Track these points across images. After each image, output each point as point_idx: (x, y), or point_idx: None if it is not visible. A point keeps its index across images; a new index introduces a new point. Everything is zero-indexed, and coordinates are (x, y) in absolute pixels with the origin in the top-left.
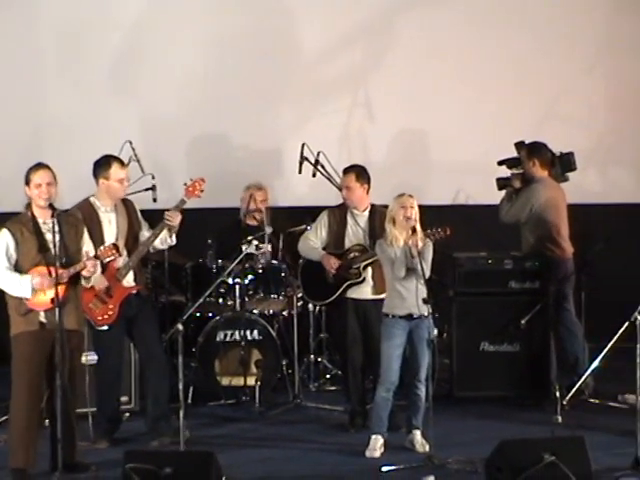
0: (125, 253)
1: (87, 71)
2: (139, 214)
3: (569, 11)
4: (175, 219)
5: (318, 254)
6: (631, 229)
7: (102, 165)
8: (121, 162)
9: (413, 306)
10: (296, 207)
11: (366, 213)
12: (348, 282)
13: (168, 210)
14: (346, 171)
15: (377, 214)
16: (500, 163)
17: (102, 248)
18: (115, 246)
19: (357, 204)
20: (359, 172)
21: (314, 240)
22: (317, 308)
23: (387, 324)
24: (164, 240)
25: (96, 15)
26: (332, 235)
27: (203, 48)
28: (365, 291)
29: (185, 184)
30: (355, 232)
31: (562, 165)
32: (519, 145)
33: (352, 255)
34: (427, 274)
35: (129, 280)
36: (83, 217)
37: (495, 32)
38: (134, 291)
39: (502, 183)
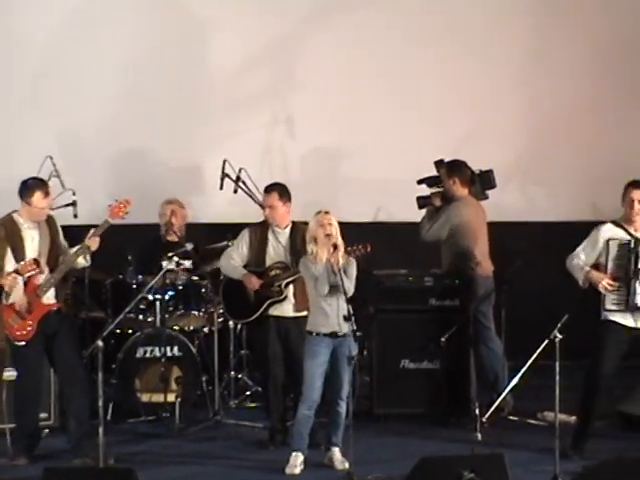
0: (47, 270)
1: (5, 86)
2: (61, 233)
3: (492, 30)
4: (95, 243)
5: (240, 273)
6: (549, 247)
7: (27, 190)
8: (45, 191)
9: (337, 324)
10: (217, 223)
11: (287, 230)
12: (270, 300)
13: (90, 226)
14: (268, 190)
15: (298, 231)
16: (420, 182)
17: (22, 263)
18: (36, 261)
19: (279, 222)
20: (281, 191)
21: (235, 258)
22: (238, 325)
23: (311, 342)
24: (80, 262)
25: (11, 29)
26: (253, 252)
27: (122, 63)
28: (287, 309)
29: (110, 205)
30: (276, 249)
31: (482, 183)
32: (439, 163)
33: (273, 273)
34: (351, 291)
35: (49, 297)
36: (5, 233)
37: (416, 48)
38: (54, 308)
39: (422, 202)
